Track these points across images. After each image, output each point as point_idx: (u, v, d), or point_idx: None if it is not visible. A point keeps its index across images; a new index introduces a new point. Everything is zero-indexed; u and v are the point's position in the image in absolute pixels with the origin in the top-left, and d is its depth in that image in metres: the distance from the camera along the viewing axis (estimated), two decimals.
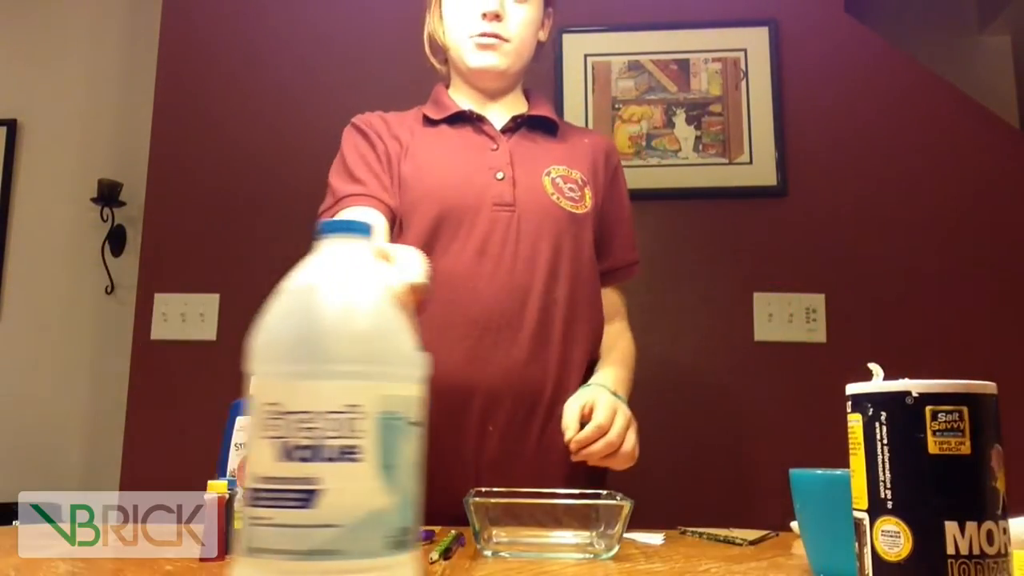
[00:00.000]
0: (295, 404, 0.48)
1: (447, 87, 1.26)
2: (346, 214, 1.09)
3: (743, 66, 2.17)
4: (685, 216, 2.11)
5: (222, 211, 2.22)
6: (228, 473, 0.81)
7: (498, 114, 1.21)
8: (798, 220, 2.08)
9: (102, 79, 2.66)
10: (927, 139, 2.10)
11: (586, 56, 2.21)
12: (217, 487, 0.72)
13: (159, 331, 2.16)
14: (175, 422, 2.12)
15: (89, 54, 2.68)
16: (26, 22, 2.72)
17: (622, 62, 2.20)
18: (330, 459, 0.47)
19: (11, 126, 2.65)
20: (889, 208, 2.08)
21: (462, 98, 1.22)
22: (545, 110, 1.24)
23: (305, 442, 0.47)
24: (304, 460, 0.47)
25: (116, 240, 2.52)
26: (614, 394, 1.08)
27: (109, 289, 2.52)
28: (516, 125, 1.20)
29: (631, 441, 1.03)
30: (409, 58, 2.24)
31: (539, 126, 1.22)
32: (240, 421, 0.82)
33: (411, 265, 0.74)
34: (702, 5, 2.24)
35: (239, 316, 2.30)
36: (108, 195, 2.48)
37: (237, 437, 0.82)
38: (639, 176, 2.13)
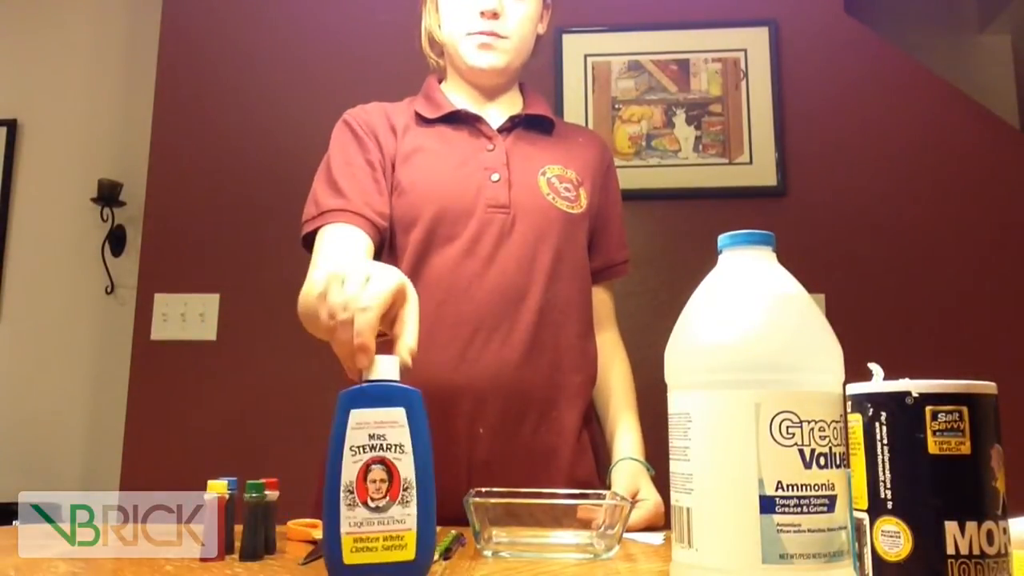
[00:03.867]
0: (809, 414, 0.53)
1: (439, 81, 1.24)
2: (330, 232, 1.06)
3: (743, 66, 2.17)
4: (685, 216, 2.11)
5: (222, 211, 2.22)
6: (344, 485, 0.59)
7: (495, 112, 1.20)
8: (798, 220, 2.08)
9: (102, 79, 2.66)
10: (927, 139, 2.10)
11: (586, 56, 2.21)
12: (217, 487, 0.72)
13: (159, 331, 2.16)
14: (175, 422, 2.12)
15: (89, 54, 2.68)
16: (27, 22, 2.72)
17: (622, 62, 2.20)
18: (839, 466, 0.54)
19: (11, 126, 2.65)
20: (889, 208, 2.08)
21: (457, 95, 1.20)
22: (541, 108, 1.22)
23: (823, 449, 0.53)
24: (822, 467, 0.53)
25: (116, 240, 2.52)
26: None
27: (109, 289, 2.52)
28: (513, 124, 1.18)
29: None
30: (408, 58, 2.24)
31: (535, 125, 1.20)
32: (356, 416, 0.60)
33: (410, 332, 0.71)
34: (702, 5, 2.23)
35: (239, 316, 2.30)
36: (108, 195, 2.48)
37: (354, 438, 0.60)
38: (639, 176, 2.14)
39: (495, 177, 1.11)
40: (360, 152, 1.13)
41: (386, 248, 1.12)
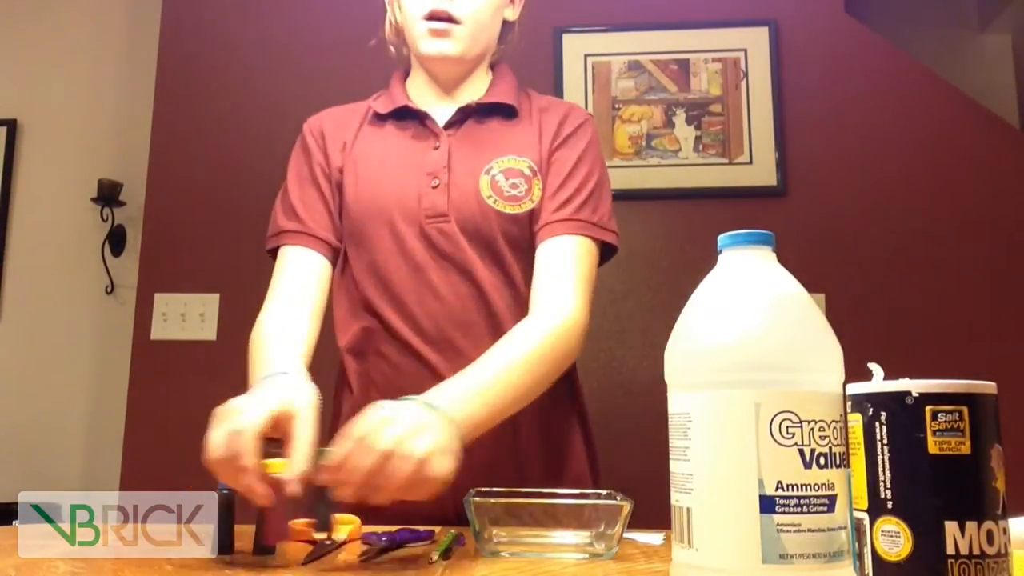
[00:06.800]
0: (809, 414, 0.54)
1: (406, 74, 1.20)
2: (288, 255, 1.10)
3: (743, 66, 2.17)
4: (685, 216, 2.11)
5: (222, 211, 2.22)
6: None
7: (453, 105, 1.14)
8: (798, 220, 2.08)
9: (102, 79, 2.66)
10: (927, 139, 2.10)
11: (586, 56, 2.21)
12: (275, 466, 0.70)
13: (159, 331, 2.16)
14: (175, 422, 2.12)
15: (89, 54, 2.68)
16: (27, 23, 2.72)
17: (622, 62, 2.20)
18: (839, 466, 0.54)
19: (11, 126, 2.64)
20: (889, 208, 2.08)
21: (418, 88, 1.16)
22: (499, 94, 1.14)
23: (823, 449, 0.54)
24: (822, 467, 0.53)
25: (116, 240, 2.52)
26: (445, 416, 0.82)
27: (109, 289, 2.52)
28: (464, 116, 1.12)
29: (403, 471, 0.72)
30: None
31: (494, 112, 1.13)
32: None
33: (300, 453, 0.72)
34: (702, 5, 2.23)
35: (239, 316, 2.29)
36: (108, 195, 2.48)
37: None
38: (639, 176, 2.14)
39: (435, 183, 1.08)
40: (311, 168, 1.15)
41: (340, 259, 1.13)
